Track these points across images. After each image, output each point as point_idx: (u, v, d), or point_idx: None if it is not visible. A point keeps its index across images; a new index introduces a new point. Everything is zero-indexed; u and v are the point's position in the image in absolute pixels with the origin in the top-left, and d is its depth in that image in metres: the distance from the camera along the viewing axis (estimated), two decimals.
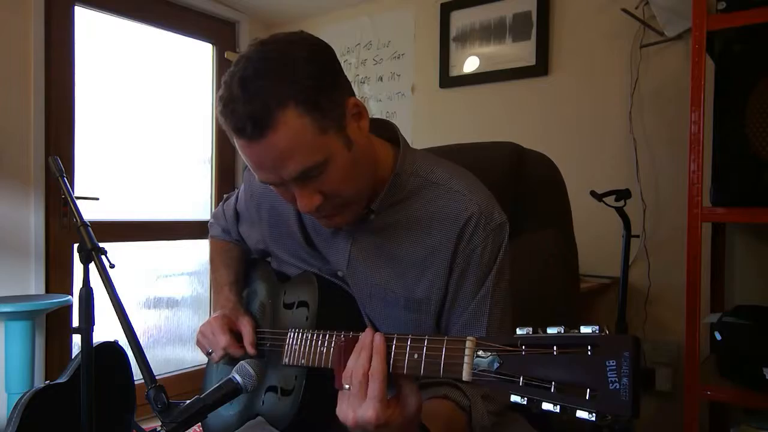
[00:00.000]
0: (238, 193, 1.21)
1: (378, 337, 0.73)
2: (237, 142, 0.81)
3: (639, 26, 2.32)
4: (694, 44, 1.64)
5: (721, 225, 2.08)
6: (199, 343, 1.10)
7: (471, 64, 2.80)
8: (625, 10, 2.27)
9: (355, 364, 0.73)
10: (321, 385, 0.93)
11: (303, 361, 0.91)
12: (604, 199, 2.01)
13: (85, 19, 2.67)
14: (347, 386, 0.73)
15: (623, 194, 2.04)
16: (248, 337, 1.04)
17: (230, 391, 0.89)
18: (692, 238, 1.65)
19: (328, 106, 0.80)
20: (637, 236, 2.26)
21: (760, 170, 1.60)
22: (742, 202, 1.64)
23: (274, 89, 0.76)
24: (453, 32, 2.85)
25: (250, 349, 1.03)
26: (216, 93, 3.25)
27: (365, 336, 0.75)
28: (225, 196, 1.28)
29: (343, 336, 0.79)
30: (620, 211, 2.06)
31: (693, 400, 1.64)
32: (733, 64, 1.67)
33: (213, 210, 1.32)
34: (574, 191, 1.37)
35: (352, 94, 0.86)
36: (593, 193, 2.00)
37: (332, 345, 0.84)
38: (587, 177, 2.31)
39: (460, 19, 2.82)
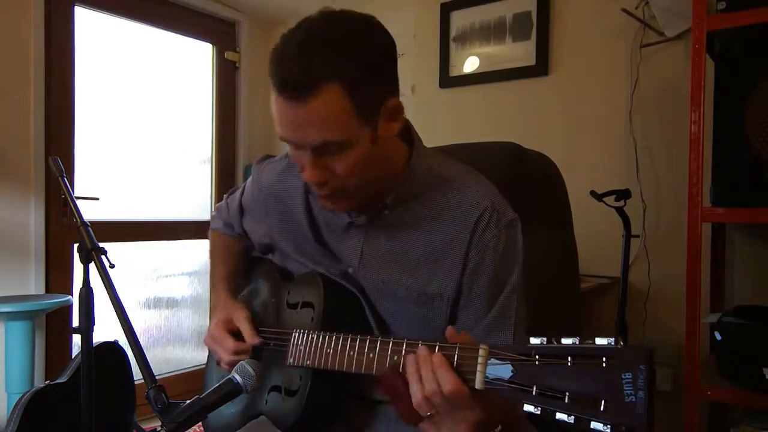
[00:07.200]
0: (244, 186, 1.20)
1: (428, 351, 0.72)
2: (274, 95, 0.82)
3: (639, 26, 2.32)
4: (694, 44, 1.64)
5: (721, 225, 2.08)
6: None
7: (471, 64, 2.80)
8: (625, 10, 2.27)
9: (427, 389, 0.71)
10: (326, 386, 0.93)
11: (308, 362, 0.91)
12: (604, 199, 2.01)
13: (85, 19, 2.67)
14: (429, 413, 0.71)
15: (623, 194, 2.04)
16: (246, 330, 1.02)
17: (230, 391, 0.89)
18: (692, 238, 1.65)
19: (369, 98, 0.82)
20: (637, 236, 2.26)
21: (760, 170, 1.60)
22: (742, 202, 1.64)
23: (327, 63, 0.78)
24: (453, 32, 2.85)
25: (254, 340, 1.01)
26: (216, 93, 3.25)
27: (414, 360, 0.73)
28: (231, 189, 1.27)
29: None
30: (620, 211, 2.06)
31: (693, 400, 1.64)
32: (733, 64, 1.67)
33: (213, 210, 1.31)
34: (574, 191, 1.37)
35: (396, 93, 0.88)
36: (593, 193, 2.00)
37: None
38: (587, 177, 2.30)
39: (460, 19, 2.82)
